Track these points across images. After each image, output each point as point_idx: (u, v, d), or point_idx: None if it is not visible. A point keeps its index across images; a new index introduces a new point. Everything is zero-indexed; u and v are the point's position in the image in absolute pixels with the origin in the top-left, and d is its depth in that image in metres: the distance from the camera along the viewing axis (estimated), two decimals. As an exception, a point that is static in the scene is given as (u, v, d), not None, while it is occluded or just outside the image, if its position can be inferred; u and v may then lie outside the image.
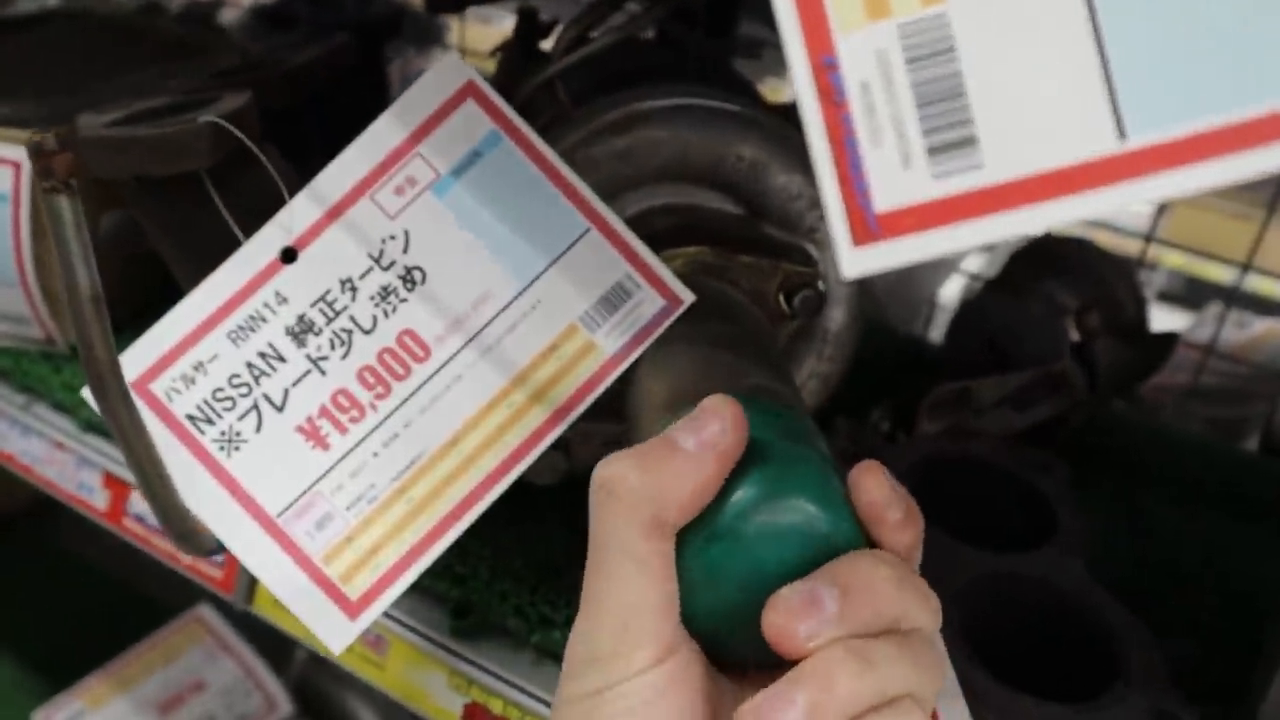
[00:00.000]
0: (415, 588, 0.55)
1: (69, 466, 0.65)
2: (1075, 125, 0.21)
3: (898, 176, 0.23)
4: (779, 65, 0.37)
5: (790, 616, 0.29)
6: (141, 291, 0.56)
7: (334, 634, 0.42)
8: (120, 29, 0.78)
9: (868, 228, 0.24)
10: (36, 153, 0.32)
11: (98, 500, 0.64)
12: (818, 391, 0.57)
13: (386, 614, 0.54)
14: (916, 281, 0.68)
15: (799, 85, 0.23)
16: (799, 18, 0.23)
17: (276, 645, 1.02)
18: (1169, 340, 0.68)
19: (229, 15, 0.97)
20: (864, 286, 0.64)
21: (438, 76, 0.45)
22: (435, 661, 0.53)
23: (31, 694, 0.96)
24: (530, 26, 0.66)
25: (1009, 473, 0.55)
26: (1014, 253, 0.71)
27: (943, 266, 0.71)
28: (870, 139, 0.23)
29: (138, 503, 0.63)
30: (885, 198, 0.24)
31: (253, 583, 0.59)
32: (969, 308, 0.66)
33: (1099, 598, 0.49)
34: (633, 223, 0.53)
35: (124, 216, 0.51)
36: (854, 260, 0.24)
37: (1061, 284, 0.66)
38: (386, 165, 0.45)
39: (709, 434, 0.31)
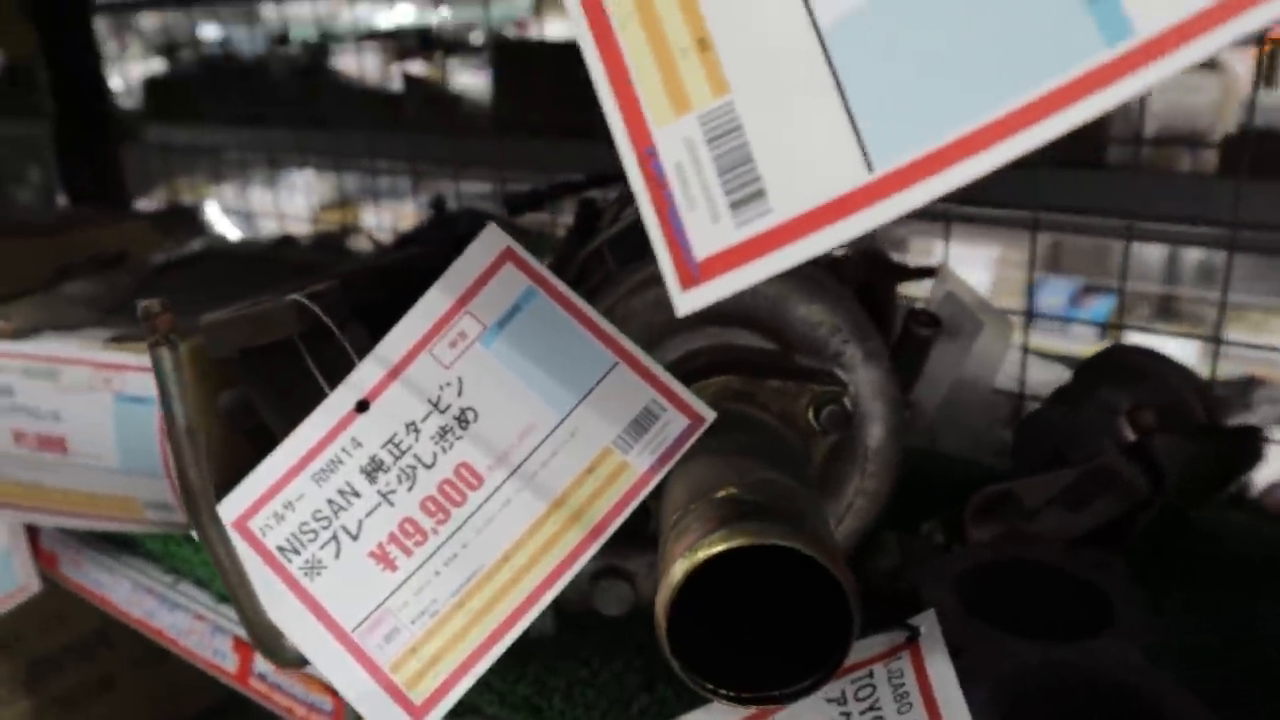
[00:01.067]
0: (497, 720, 0.59)
1: (206, 635, 0.72)
2: (835, 166, 0.27)
3: (710, 230, 0.30)
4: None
5: None
6: (256, 458, 0.65)
7: (400, 738, 0.46)
8: (260, 259, 0.92)
9: (691, 274, 0.30)
10: (145, 315, 0.40)
11: (229, 664, 0.71)
12: (866, 509, 0.60)
13: (473, 750, 0.58)
14: (968, 407, 0.70)
15: (629, 171, 0.30)
16: (623, 118, 0.30)
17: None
18: (1251, 436, 0.68)
19: (362, 243, 1.11)
20: (915, 414, 0.67)
21: (481, 246, 0.53)
22: (517, 791, 0.56)
23: None
24: (588, 213, 0.75)
25: (1063, 571, 0.55)
26: (1078, 366, 0.73)
27: (983, 389, 0.73)
28: (686, 205, 0.30)
29: (261, 663, 0.69)
30: (702, 248, 0.30)
31: (357, 729, 0.64)
32: (1028, 422, 0.68)
33: (1155, 682, 0.48)
34: (674, 365, 0.59)
35: (238, 393, 0.60)
36: (684, 301, 0.30)
37: (1117, 389, 0.67)
38: (441, 324, 0.52)
39: None
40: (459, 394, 0.51)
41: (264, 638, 0.46)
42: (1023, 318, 0.95)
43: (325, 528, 0.50)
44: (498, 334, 0.52)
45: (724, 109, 0.30)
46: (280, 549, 0.50)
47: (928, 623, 0.50)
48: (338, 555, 0.49)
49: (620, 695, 0.58)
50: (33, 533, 0.85)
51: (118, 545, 0.81)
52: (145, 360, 0.72)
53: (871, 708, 0.48)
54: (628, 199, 0.68)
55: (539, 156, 1.05)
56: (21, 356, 0.75)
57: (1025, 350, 0.84)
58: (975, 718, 0.46)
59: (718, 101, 0.29)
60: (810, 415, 0.56)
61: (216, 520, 0.43)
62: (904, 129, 0.27)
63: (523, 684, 0.59)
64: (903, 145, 0.27)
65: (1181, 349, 1.05)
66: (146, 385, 0.72)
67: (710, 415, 0.51)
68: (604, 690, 0.58)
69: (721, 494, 0.44)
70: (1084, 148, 0.86)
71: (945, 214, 0.89)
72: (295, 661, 0.47)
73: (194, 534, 0.47)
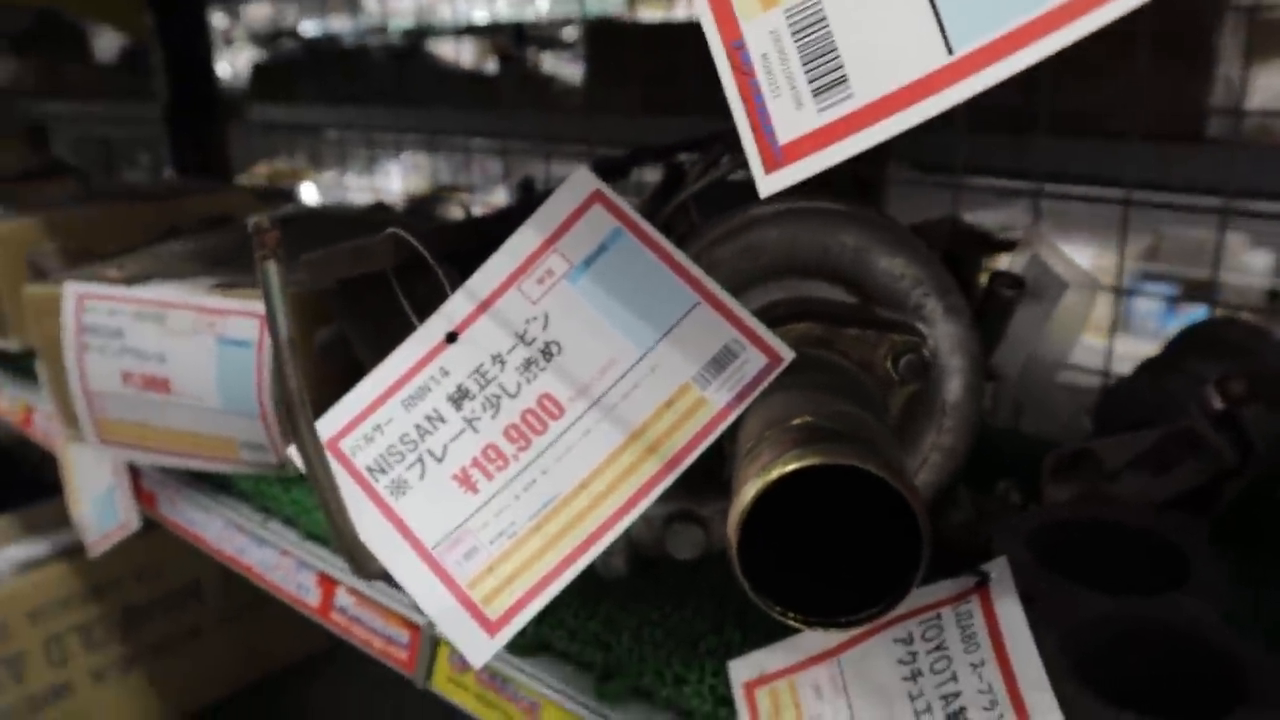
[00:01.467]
0: (566, 655, 0.61)
1: (291, 570, 0.75)
2: (915, 51, 0.29)
3: (793, 116, 0.31)
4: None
5: None
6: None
7: (476, 649, 0.48)
8: (353, 222, 0.95)
9: (775, 158, 0.31)
10: (256, 229, 0.43)
11: (311, 598, 0.73)
12: (941, 464, 0.60)
13: (540, 681, 0.60)
14: (1048, 374, 0.69)
15: (719, 64, 0.32)
16: (713, 14, 0.31)
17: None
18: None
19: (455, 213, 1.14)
20: (997, 379, 0.67)
21: (572, 187, 0.54)
22: (584, 723, 0.57)
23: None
24: (673, 175, 0.76)
25: (1141, 531, 0.55)
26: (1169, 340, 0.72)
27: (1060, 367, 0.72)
28: (771, 93, 0.31)
29: (342, 597, 0.71)
30: (786, 132, 0.31)
31: (431, 663, 0.66)
32: (1113, 391, 0.67)
33: (1230, 638, 0.47)
34: (756, 314, 0.60)
35: (334, 330, 0.63)
36: (767, 183, 0.31)
37: (1208, 360, 0.66)
38: (530, 261, 0.54)
39: None
40: (544, 328, 0.53)
41: (350, 548, 0.48)
42: (1114, 302, 0.94)
43: (412, 450, 0.52)
44: (584, 272, 0.54)
45: (810, 3, 0.31)
46: (369, 469, 0.52)
47: (999, 569, 0.50)
48: (423, 476, 0.51)
49: (688, 636, 0.59)
50: (135, 473, 0.90)
51: (212, 485, 0.85)
52: (247, 305, 0.76)
53: (939, 648, 0.48)
54: (713, 160, 0.69)
55: (629, 134, 1.07)
56: (132, 301, 0.79)
57: (1114, 327, 0.82)
58: (1045, 663, 0.45)
59: (803, -3, 0.31)
60: (888, 364, 0.56)
61: (312, 430, 0.45)
62: (981, 13, 0.28)
63: (594, 621, 0.60)
64: (980, 28, 0.28)
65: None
66: (247, 329, 0.75)
67: (789, 354, 0.52)
68: (672, 631, 0.59)
69: (797, 421, 0.45)
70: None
71: (1036, 191, 0.89)
72: (378, 574, 0.49)
73: (290, 454, 0.50)
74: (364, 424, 0.53)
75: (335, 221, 0.94)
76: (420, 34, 1.65)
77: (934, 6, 0.29)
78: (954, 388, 0.59)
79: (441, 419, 0.52)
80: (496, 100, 1.34)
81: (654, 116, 1.14)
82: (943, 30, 0.29)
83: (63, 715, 1.26)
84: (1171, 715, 0.43)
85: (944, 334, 0.59)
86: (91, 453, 0.90)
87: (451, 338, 0.54)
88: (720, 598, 0.62)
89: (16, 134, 1.55)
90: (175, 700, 1.37)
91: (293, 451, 0.51)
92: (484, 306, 0.54)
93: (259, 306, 0.75)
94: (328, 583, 0.72)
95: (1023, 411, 0.72)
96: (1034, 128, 0.86)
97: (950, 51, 0.29)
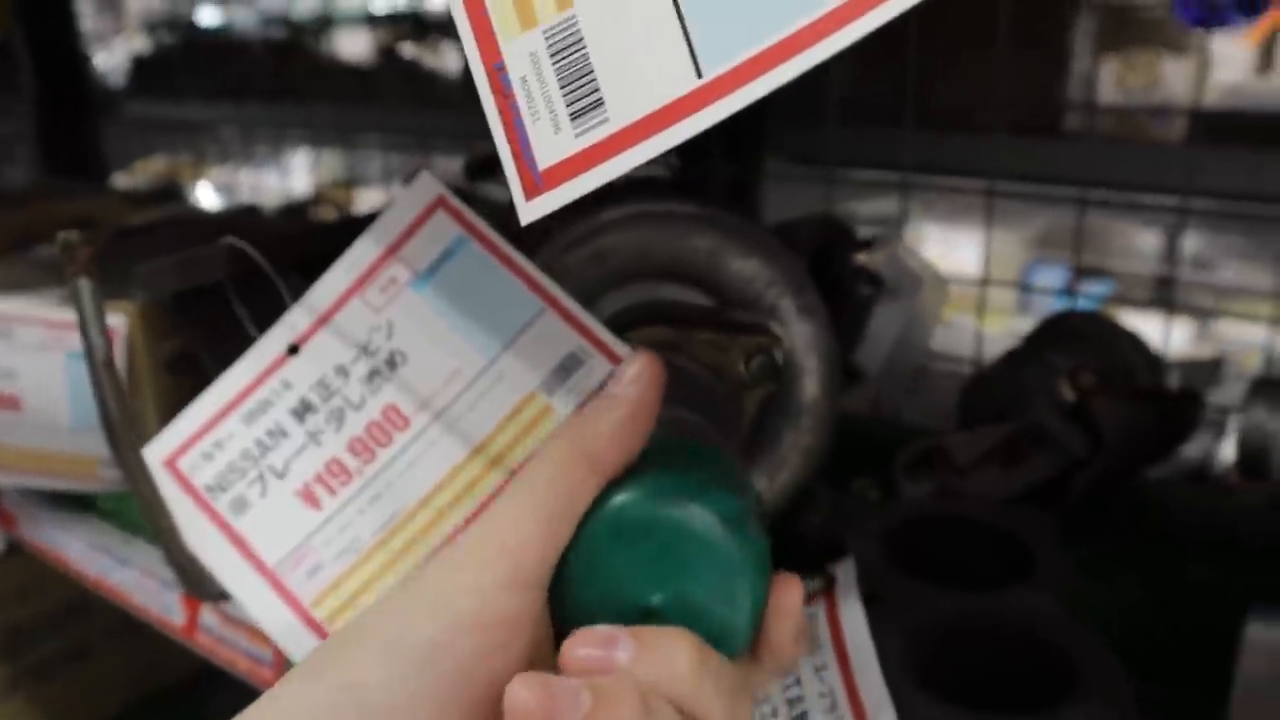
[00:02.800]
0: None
1: (155, 590, 0.73)
2: (667, 74, 0.29)
3: (552, 140, 0.31)
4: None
5: (580, 643, 0.32)
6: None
7: (318, 671, 0.47)
8: (220, 226, 0.92)
9: (535, 184, 0.31)
10: (65, 246, 0.41)
11: (177, 618, 0.71)
12: (799, 465, 0.60)
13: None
14: (906, 365, 0.71)
15: (480, 85, 0.31)
16: (474, 34, 0.31)
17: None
18: (1190, 400, 0.68)
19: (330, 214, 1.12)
20: (858, 376, 0.67)
21: (413, 193, 0.53)
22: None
23: None
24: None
25: (989, 525, 0.56)
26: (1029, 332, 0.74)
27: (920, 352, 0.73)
28: (531, 117, 0.31)
29: (207, 616, 0.70)
30: (545, 158, 0.31)
31: (298, 679, 0.64)
32: (972, 384, 0.69)
33: (1066, 631, 0.49)
34: (611, 320, 0.59)
35: (177, 343, 0.61)
36: (528, 210, 0.31)
37: (1063, 353, 0.68)
38: (372, 270, 0.53)
39: (627, 378, 0.38)
40: (388, 337, 0.52)
41: (184, 569, 0.46)
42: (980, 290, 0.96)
43: (253, 466, 0.50)
44: (428, 280, 0.53)
45: (567, 23, 0.31)
46: (208, 487, 0.50)
47: (845, 570, 0.50)
48: (264, 494, 0.50)
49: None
50: (-7, 493, 0.86)
51: (75, 505, 0.82)
52: (97, 316, 0.73)
53: (787, 649, 0.49)
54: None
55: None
56: (-23, 314, 0.76)
57: (981, 316, 0.84)
58: (888, 665, 0.46)
59: (561, 16, 0.31)
60: (741, 367, 0.56)
61: (136, 452, 0.44)
62: (729, 38, 0.28)
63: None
64: (728, 52, 0.28)
65: (1178, 335, 1.06)
66: (98, 341, 0.73)
67: (634, 361, 0.51)
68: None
69: (633, 431, 0.45)
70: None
71: (904, 184, 0.90)
72: (216, 595, 0.48)
73: (112, 476, 0.48)
74: (203, 441, 0.51)
75: (200, 226, 0.91)
76: (305, 27, 1.61)
77: (685, 31, 0.29)
78: (810, 387, 0.60)
79: (284, 433, 0.51)
80: (377, 95, 1.32)
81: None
82: (693, 54, 0.29)
83: (-64, 744, 1.21)
84: (1005, 710, 0.44)
85: (799, 334, 0.59)
86: (-54, 473, 0.86)
87: (293, 350, 0.52)
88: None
89: None
90: (63, 721, 1.32)
91: (116, 473, 0.49)
92: (325, 318, 0.53)
93: (110, 320, 0.72)
94: (192, 602, 0.70)
95: (884, 408, 0.73)
96: (902, 122, 0.87)
97: (700, 75, 0.29)
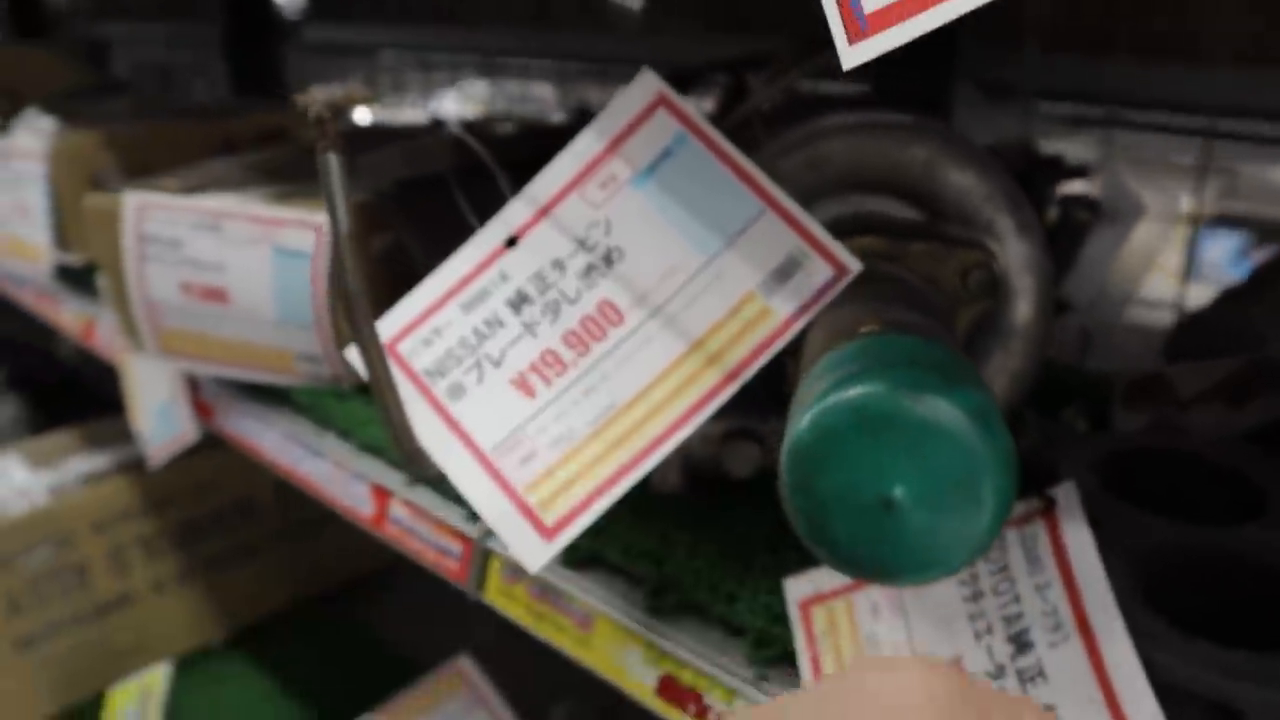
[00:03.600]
0: (619, 571, 0.60)
1: (346, 482, 0.76)
2: None
3: None
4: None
5: None
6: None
7: (532, 553, 0.48)
8: (410, 136, 0.94)
9: (859, 28, 0.29)
10: (317, 120, 0.42)
11: (365, 509, 0.74)
12: (1008, 388, 0.58)
13: (593, 595, 0.59)
14: (1118, 295, 0.67)
15: None
16: None
17: (532, 705, 1.09)
18: None
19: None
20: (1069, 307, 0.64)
21: (636, 90, 0.53)
22: (634, 637, 0.57)
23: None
24: (738, 88, 0.74)
25: (1214, 462, 0.53)
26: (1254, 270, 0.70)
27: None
28: None
29: (396, 509, 0.72)
30: (871, 2, 0.29)
31: (483, 574, 0.66)
32: (1190, 322, 0.65)
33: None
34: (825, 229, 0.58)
35: (392, 238, 0.62)
36: (851, 54, 0.30)
37: (1286, 295, 0.63)
38: (592, 166, 0.53)
39: None
40: (606, 234, 0.52)
41: (408, 449, 0.48)
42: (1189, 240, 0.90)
43: (470, 354, 0.51)
44: (648, 177, 0.52)
45: None
46: (427, 372, 0.51)
47: (1066, 492, 0.48)
48: (480, 380, 0.51)
49: (742, 554, 0.58)
50: (193, 385, 0.91)
51: (269, 397, 0.85)
52: (304, 215, 0.75)
53: (1001, 569, 0.47)
54: (778, 75, 0.67)
55: (688, 55, 1.04)
56: (190, 210, 0.79)
57: (1189, 267, 0.79)
58: (1112, 588, 0.44)
59: None
60: (956, 280, 0.54)
61: (371, 326, 0.45)
62: None
63: (648, 537, 0.60)
64: None
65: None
66: (304, 240, 0.75)
67: (856, 266, 0.50)
68: (726, 549, 0.59)
69: (864, 330, 0.44)
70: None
71: (1108, 119, 0.85)
72: (434, 476, 0.49)
73: (348, 354, 0.49)
74: (422, 327, 0.52)
75: (393, 135, 0.93)
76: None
77: None
78: (1023, 309, 0.57)
79: (500, 323, 0.52)
80: (553, 21, 1.32)
81: (712, 36, 1.11)
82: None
83: (126, 622, 1.30)
84: (1242, 645, 0.42)
85: (1014, 252, 0.57)
86: (151, 365, 0.91)
87: (511, 242, 0.53)
88: (776, 517, 0.61)
89: (75, 54, 1.55)
90: (232, 612, 1.40)
91: (351, 352, 0.51)
92: (544, 211, 0.53)
93: (316, 217, 0.75)
94: (382, 494, 0.73)
95: (1090, 345, 0.70)
96: (1112, 49, 0.82)
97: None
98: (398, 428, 0.47)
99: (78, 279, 1.10)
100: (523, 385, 0.51)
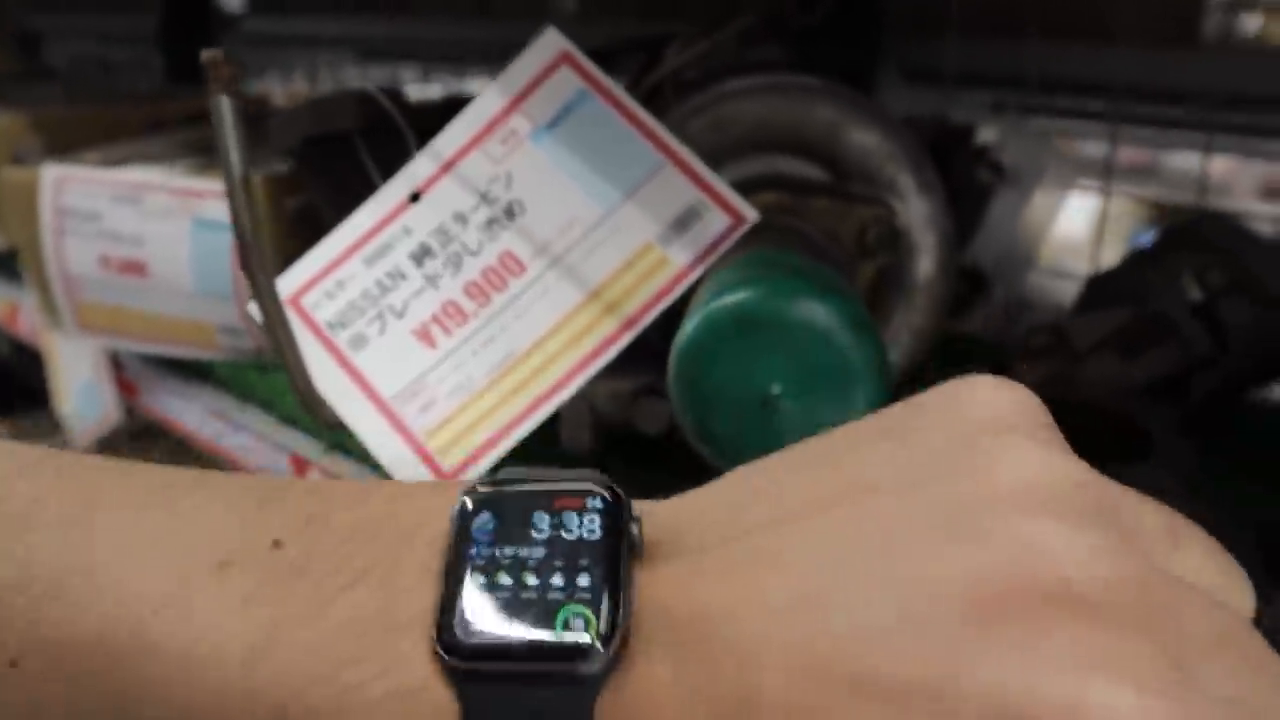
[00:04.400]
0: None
1: (267, 453, 0.75)
2: None
3: None
4: None
5: None
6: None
7: (430, 499, 0.48)
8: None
9: None
10: (210, 62, 0.42)
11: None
12: (910, 345, 0.59)
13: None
14: (1022, 256, 0.69)
15: None
16: None
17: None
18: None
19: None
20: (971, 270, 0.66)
21: (538, 49, 0.54)
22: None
23: None
24: (651, 59, 0.75)
25: (1106, 411, 0.54)
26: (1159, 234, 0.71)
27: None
28: None
29: (315, 476, 0.72)
30: None
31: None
32: (1094, 282, 0.67)
33: (1191, 508, 0.47)
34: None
35: (304, 199, 0.62)
36: None
37: (1195, 255, 0.65)
38: (495, 122, 0.53)
39: None
40: (507, 188, 0.53)
41: (306, 396, 0.48)
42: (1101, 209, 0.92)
43: (373, 306, 0.52)
44: (549, 132, 0.53)
45: None
46: (329, 324, 0.52)
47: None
48: (382, 331, 0.51)
49: (653, 510, 0.59)
50: (116, 363, 0.90)
51: (192, 373, 0.85)
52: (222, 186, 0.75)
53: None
54: (691, 44, 0.68)
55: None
56: (109, 183, 0.79)
57: (1099, 236, 0.81)
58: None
59: None
60: (857, 235, 0.55)
61: (267, 272, 0.45)
62: None
63: (559, 494, 0.60)
64: None
65: None
66: (224, 211, 0.75)
67: (753, 215, 0.51)
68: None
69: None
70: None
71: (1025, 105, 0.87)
72: (334, 422, 0.49)
73: (249, 309, 0.49)
74: (326, 280, 0.52)
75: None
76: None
77: None
78: (925, 265, 0.59)
79: (403, 276, 0.52)
80: (491, 12, 1.33)
81: (649, 25, 1.13)
82: None
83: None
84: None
85: (916, 209, 0.58)
86: (73, 344, 0.90)
87: (415, 197, 0.53)
88: (686, 475, 0.61)
89: (3, 43, 1.53)
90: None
91: (251, 305, 0.51)
92: (447, 166, 0.53)
93: (235, 188, 0.74)
94: (300, 464, 0.73)
95: (1016, 321, 0.71)
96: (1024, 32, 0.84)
97: None
98: (295, 376, 0.47)
99: (1, 264, 1.08)
100: (424, 336, 0.51)
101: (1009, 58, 0.91)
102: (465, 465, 0.48)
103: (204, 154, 0.85)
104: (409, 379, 0.50)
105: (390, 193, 0.53)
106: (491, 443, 0.49)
